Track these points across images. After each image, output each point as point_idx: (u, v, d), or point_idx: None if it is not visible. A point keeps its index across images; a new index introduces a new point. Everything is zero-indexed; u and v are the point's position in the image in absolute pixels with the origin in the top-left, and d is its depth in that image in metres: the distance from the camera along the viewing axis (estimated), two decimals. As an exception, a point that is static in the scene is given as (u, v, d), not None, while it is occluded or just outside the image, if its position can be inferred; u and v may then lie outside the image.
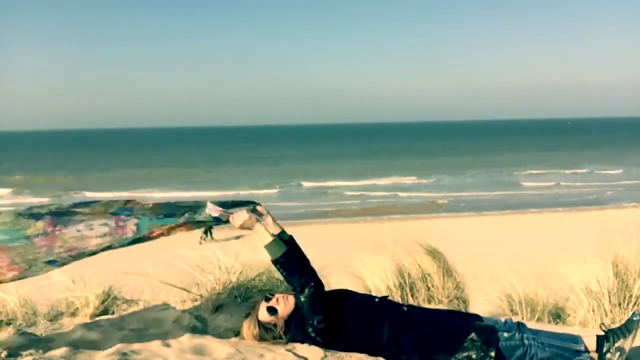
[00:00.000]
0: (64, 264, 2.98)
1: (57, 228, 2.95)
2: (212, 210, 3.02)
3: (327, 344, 2.93)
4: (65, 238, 2.94)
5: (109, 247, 2.96)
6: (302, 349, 2.93)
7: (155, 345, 3.01)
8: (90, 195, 36.17)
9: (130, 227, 2.98)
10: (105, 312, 3.88)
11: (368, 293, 4.22)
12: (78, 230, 2.96)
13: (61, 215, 2.99)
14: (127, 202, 3.07)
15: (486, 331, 2.87)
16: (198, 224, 3.08)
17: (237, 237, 3.13)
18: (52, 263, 2.94)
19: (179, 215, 3.03)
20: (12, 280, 2.95)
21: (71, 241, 2.94)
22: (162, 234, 3.03)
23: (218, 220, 3.04)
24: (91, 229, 2.96)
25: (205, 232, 15.74)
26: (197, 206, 3.07)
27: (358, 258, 4.75)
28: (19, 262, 2.89)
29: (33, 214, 2.97)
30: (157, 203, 3.09)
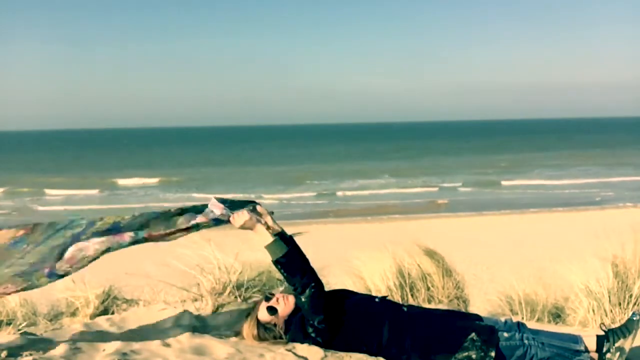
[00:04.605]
0: (65, 275, 2.97)
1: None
2: (215, 207, 3.02)
3: (327, 344, 2.93)
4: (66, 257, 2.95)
5: (107, 250, 2.96)
6: (302, 349, 2.93)
7: (155, 345, 3.01)
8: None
9: (128, 235, 2.98)
10: (105, 312, 3.89)
11: (368, 293, 4.22)
12: (78, 248, 2.96)
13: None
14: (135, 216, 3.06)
15: (486, 331, 2.87)
16: (197, 226, 3.06)
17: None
18: (53, 276, 2.93)
19: (180, 218, 3.03)
20: (14, 292, 2.94)
21: (70, 254, 2.95)
22: (161, 237, 3.02)
23: (218, 221, 3.04)
24: (88, 242, 2.96)
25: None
26: (198, 208, 3.06)
27: (358, 258, 4.75)
28: (21, 278, 2.89)
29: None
30: (163, 211, 3.08)
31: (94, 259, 2.94)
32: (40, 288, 2.95)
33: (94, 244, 2.94)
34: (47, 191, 37.45)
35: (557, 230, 18.97)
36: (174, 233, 3.02)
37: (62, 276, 2.94)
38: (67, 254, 2.92)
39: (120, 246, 2.96)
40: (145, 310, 3.82)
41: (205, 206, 3.06)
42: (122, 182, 42.06)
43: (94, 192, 37.42)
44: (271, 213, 3.10)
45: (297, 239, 3.06)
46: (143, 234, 2.97)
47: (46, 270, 2.89)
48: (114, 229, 2.97)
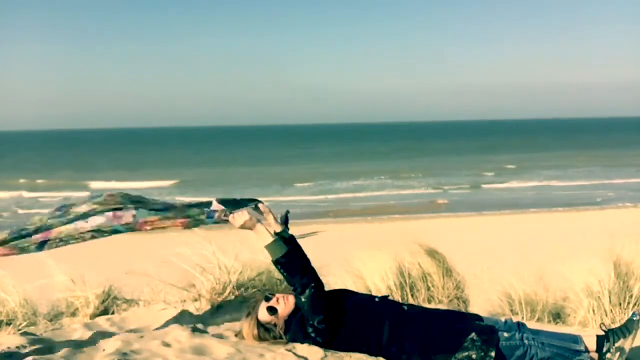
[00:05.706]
0: (56, 246, 2.99)
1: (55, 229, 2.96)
2: (216, 208, 3.01)
3: (327, 344, 2.93)
4: (62, 231, 2.96)
5: (101, 232, 2.96)
6: (302, 349, 2.93)
7: (155, 345, 3.00)
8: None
9: (128, 217, 2.98)
10: (105, 312, 3.89)
11: (368, 293, 4.22)
12: (75, 226, 2.97)
13: (61, 217, 2.99)
14: (127, 194, 3.06)
15: (486, 331, 2.86)
16: (196, 222, 3.06)
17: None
18: (42, 246, 2.96)
19: (179, 212, 3.02)
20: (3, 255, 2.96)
21: (66, 232, 2.96)
22: (155, 227, 3.02)
23: (218, 221, 3.03)
24: (86, 222, 2.97)
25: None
26: (199, 205, 3.06)
27: (358, 258, 4.74)
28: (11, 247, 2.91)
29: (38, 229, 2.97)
30: (162, 201, 3.08)
31: (84, 238, 2.95)
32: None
33: (91, 223, 2.94)
34: (42, 193, 37.39)
35: (557, 230, 18.99)
36: (168, 224, 3.01)
37: (51, 246, 2.94)
38: (62, 227, 2.94)
39: (114, 230, 2.96)
40: (145, 310, 3.82)
41: (208, 204, 3.05)
42: (119, 183, 41.93)
43: (89, 193, 37.26)
44: (287, 212, 3.10)
45: (305, 240, 3.06)
46: (140, 219, 2.97)
47: (39, 238, 2.91)
48: (115, 209, 2.98)
